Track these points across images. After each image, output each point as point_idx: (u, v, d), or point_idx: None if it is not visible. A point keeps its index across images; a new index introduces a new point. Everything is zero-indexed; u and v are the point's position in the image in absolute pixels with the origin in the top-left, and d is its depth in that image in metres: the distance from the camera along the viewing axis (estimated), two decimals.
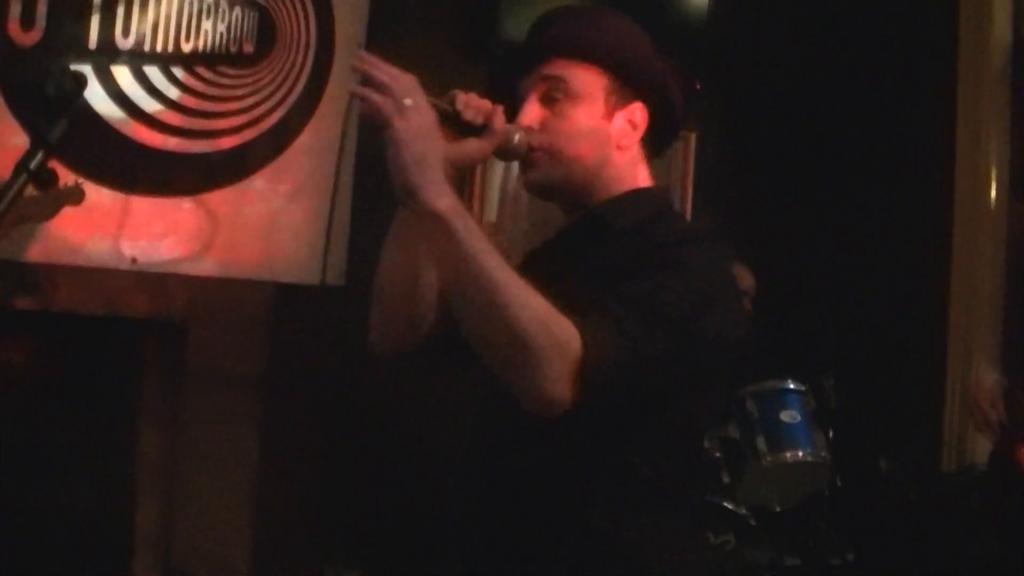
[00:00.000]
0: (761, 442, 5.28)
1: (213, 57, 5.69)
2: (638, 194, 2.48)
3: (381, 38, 6.05)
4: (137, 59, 5.51)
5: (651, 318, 2.09)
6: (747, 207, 6.84)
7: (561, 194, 2.46)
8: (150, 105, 5.49)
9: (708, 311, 2.21)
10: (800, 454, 5.29)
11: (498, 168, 6.57)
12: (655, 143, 2.55)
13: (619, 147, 2.45)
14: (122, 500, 5.44)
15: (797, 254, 6.88)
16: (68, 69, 1.60)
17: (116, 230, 5.37)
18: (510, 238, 6.55)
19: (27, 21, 5.27)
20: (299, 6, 5.89)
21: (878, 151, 6.83)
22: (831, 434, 5.47)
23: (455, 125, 2.19)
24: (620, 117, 2.44)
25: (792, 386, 5.44)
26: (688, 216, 6.89)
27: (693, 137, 6.94)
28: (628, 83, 2.45)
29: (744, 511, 5.17)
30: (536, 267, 2.38)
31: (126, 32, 5.50)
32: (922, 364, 6.33)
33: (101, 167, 5.27)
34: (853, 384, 5.88)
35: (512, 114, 2.37)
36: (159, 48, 5.57)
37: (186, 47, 5.63)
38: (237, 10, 5.75)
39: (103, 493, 5.38)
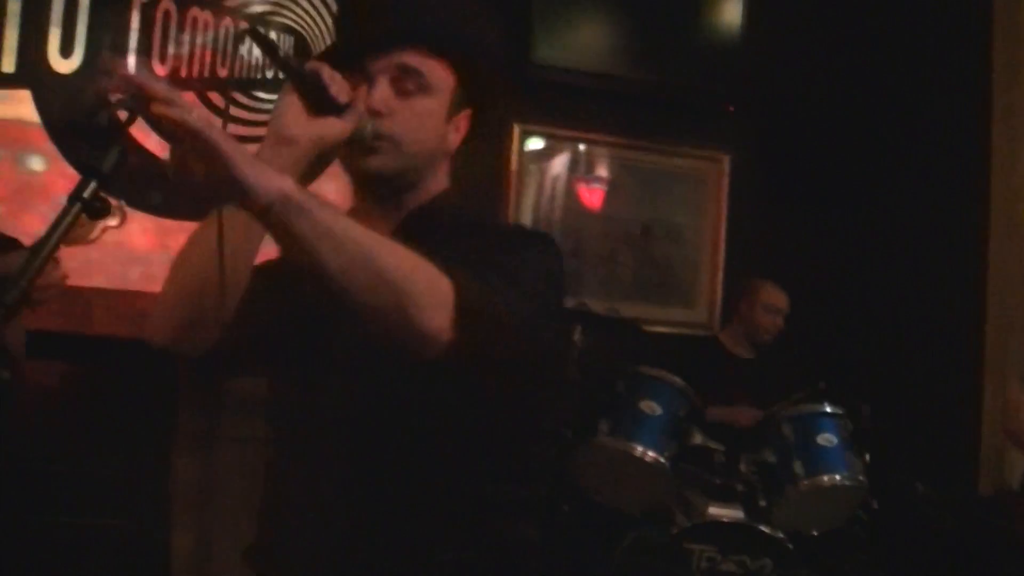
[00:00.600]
0: (798, 466, 5.25)
1: (249, 82, 5.72)
2: (450, 194, 2.43)
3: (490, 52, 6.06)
4: (173, 85, 5.53)
5: (511, 281, 2.07)
6: (782, 229, 6.85)
7: (391, 185, 2.31)
8: None
9: (555, 300, 2.24)
10: (837, 478, 5.25)
11: (531, 190, 6.58)
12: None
13: (445, 150, 2.38)
14: (159, 525, 5.44)
15: (832, 275, 6.86)
16: (120, 100, 1.60)
17: (152, 254, 5.41)
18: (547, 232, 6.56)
19: (66, 48, 5.34)
20: (334, 30, 5.91)
21: (912, 172, 6.82)
22: (868, 458, 5.43)
23: (317, 99, 2.10)
24: (454, 121, 2.36)
25: (828, 409, 5.40)
26: (723, 241, 6.91)
27: (727, 159, 6.95)
28: (470, 89, 2.37)
29: (781, 535, 5.14)
30: None
31: (163, 58, 5.55)
32: (958, 387, 6.31)
33: (139, 192, 5.31)
34: (890, 407, 5.85)
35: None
36: (195, 74, 5.61)
37: (222, 72, 5.68)
38: (272, 35, 5.78)
39: (140, 518, 5.38)
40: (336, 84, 2.11)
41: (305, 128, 2.08)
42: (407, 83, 2.26)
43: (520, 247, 2.24)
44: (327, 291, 1.90)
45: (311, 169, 2.13)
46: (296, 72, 2.09)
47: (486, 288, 2.00)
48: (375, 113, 2.21)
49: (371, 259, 1.87)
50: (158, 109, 1.76)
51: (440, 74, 2.30)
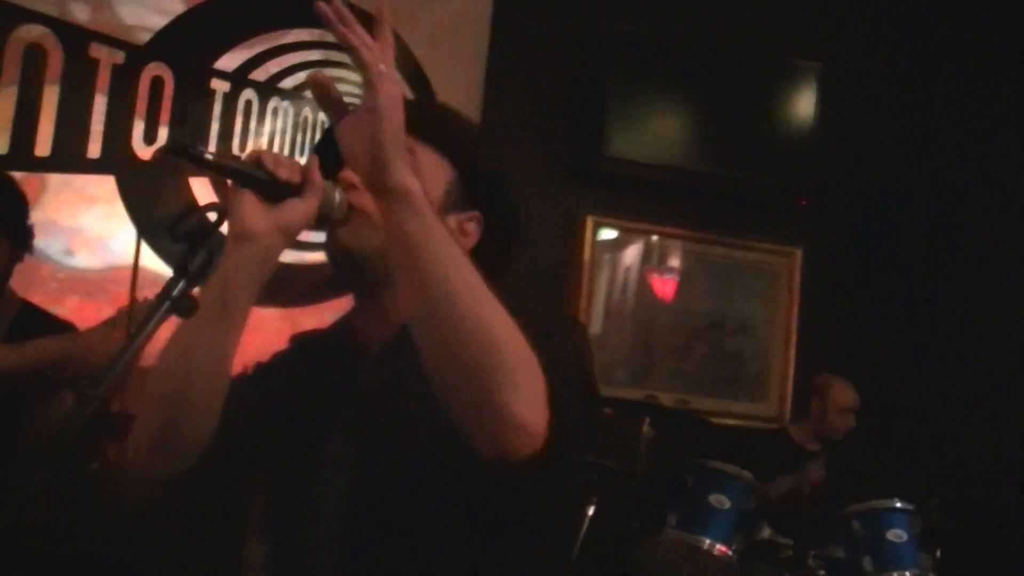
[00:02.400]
0: (867, 561, 5.23)
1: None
2: None
3: (490, 153, 6.14)
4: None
5: (563, 382, 1.86)
6: (853, 323, 6.84)
7: (368, 268, 2.09)
8: None
9: (583, 399, 2.08)
10: (907, 574, 5.22)
11: (603, 280, 6.62)
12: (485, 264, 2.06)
13: None
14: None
15: (903, 370, 6.84)
16: (211, 203, 1.64)
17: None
18: (615, 351, 6.59)
19: (149, 135, 5.46)
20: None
21: (985, 267, 6.80)
22: (938, 554, 5.39)
23: (270, 190, 1.91)
24: (453, 220, 2.12)
25: (899, 505, 5.38)
26: (794, 335, 6.91)
27: (799, 253, 6.96)
28: (471, 187, 2.21)
29: None
30: (349, 376, 2.14)
31: (244, 145, 5.66)
32: None
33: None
34: (961, 505, 5.81)
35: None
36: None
37: (301, 160, 5.76)
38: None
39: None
40: (284, 166, 1.91)
41: (265, 220, 1.91)
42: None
43: (555, 333, 2.01)
44: (422, 341, 1.79)
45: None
46: (234, 169, 1.92)
47: (561, 390, 1.82)
48: (348, 186, 2.04)
49: (474, 290, 1.75)
50: (353, 40, 1.75)
51: (430, 160, 2.16)
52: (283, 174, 1.90)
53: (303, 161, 1.96)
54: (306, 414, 2.14)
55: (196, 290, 1.78)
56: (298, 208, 1.92)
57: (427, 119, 2.20)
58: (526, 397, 1.74)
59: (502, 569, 2.07)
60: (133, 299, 1.75)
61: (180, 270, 1.78)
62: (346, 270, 2.15)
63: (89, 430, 1.62)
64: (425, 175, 2.01)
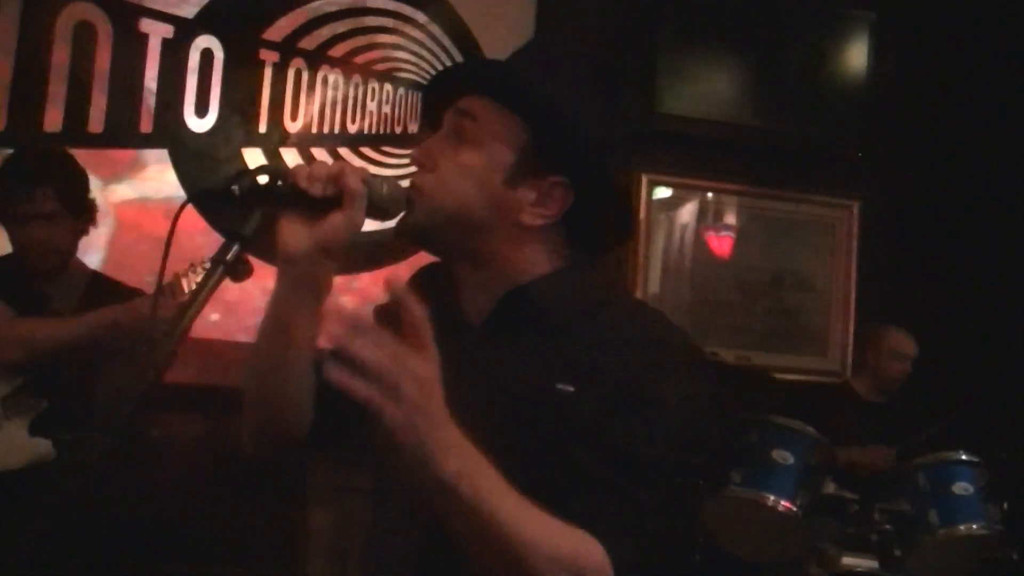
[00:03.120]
0: (933, 515, 5.19)
1: (378, 138, 5.82)
2: (571, 274, 2.04)
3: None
4: (305, 141, 5.67)
5: (650, 476, 1.81)
6: (912, 275, 6.78)
7: (443, 241, 2.01)
8: None
9: (693, 450, 1.91)
10: (974, 527, 5.18)
11: (660, 239, 6.60)
12: (583, 240, 2.07)
13: (520, 223, 1.97)
14: (290, 572, 5.52)
15: (963, 320, 6.78)
16: (261, 166, 1.63)
17: None
18: (673, 310, 6.56)
19: (201, 108, 5.47)
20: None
21: None
22: (1005, 506, 5.35)
23: (308, 207, 1.86)
24: (530, 186, 1.96)
25: (965, 457, 5.33)
26: (854, 288, 6.85)
27: (856, 206, 6.91)
28: (552, 149, 1.97)
29: None
30: (450, 344, 1.88)
31: (295, 115, 5.67)
32: None
33: (267, 245, 5.40)
34: None
35: None
36: (326, 130, 5.72)
37: (352, 128, 5.78)
38: (401, 91, 5.87)
39: (273, 570, 5.46)
40: (318, 180, 1.84)
41: (305, 240, 1.86)
42: (460, 129, 1.97)
43: (654, 400, 1.85)
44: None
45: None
46: (264, 196, 1.84)
47: (635, 526, 1.80)
48: (417, 164, 1.97)
49: (524, 560, 1.67)
50: (345, 382, 1.54)
51: (499, 125, 1.96)
52: (316, 191, 1.85)
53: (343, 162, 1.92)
54: None
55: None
56: (339, 221, 1.86)
57: (490, 76, 2.07)
58: None
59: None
60: (163, 268, 1.71)
61: (233, 234, 1.77)
62: (428, 247, 2.07)
63: (149, 398, 1.62)
64: (488, 142, 1.94)
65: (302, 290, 1.91)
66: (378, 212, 1.92)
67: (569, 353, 1.90)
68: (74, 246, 4.33)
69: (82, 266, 4.44)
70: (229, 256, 1.75)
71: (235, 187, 1.79)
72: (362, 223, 1.88)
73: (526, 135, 1.97)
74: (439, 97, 2.06)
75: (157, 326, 3.09)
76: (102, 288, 4.38)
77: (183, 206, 1.83)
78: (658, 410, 1.84)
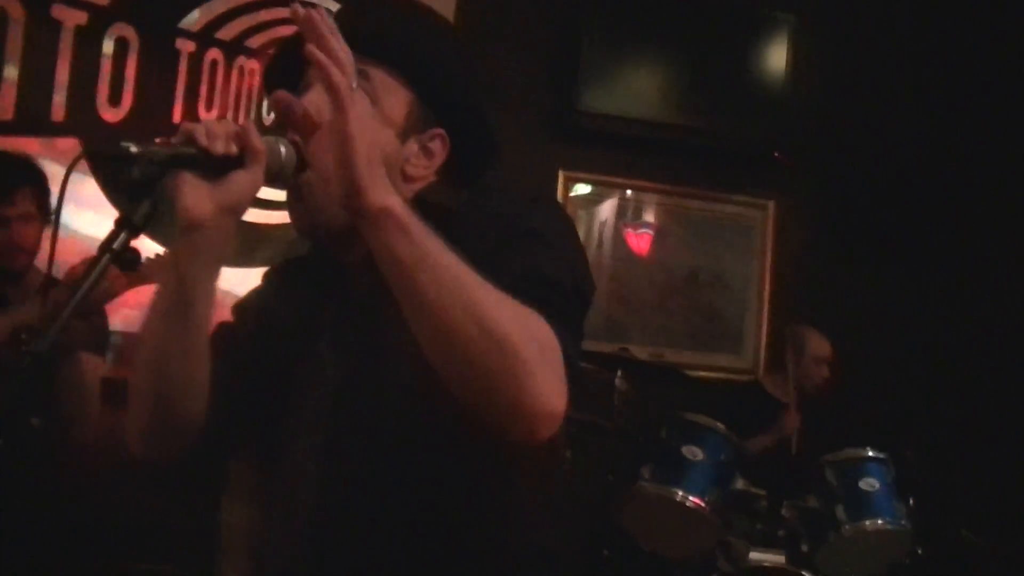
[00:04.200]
0: (841, 511, 5.22)
1: None
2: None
3: (453, 60, 6.12)
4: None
5: (557, 292, 1.84)
6: (827, 275, 6.86)
7: (332, 226, 1.96)
8: None
9: (585, 271, 1.98)
10: (880, 523, 5.21)
11: (583, 220, 6.61)
12: (457, 175, 2.13)
13: (406, 176, 2.03)
14: (209, 572, 5.48)
15: (877, 321, 6.86)
16: (153, 152, 1.59)
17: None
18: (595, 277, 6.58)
19: (114, 97, 5.43)
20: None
21: (960, 217, 6.81)
22: (912, 502, 5.41)
23: (207, 166, 1.76)
24: (414, 141, 2.03)
25: (872, 454, 5.38)
26: (769, 287, 6.91)
27: (772, 206, 6.96)
28: (434, 104, 2.04)
29: None
30: (346, 297, 2.05)
31: (210, 105, 5.63)
32: (1006, 433, 6.27)
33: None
34: (936, 454, 5.83)
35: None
36: (242, 121, 5.68)
37: (268, 119, 5.75)
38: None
39: (190, 565, 5.42)
40: (219, 138, 1.75)
41: (208, 202, 1.77)
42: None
43: (546, 238, 1.91)
44: (426, 353, 1.70)
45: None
46: (164, 156, 1.74)
47: (566, 333, 1.78)
48: (306, 117, 1.85)
49: (476, 302, 1.65)
50: (321, 59, 1.66)
51: (387, 81, 1.99)
52: (219, 148, 1.75)
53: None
54: (287, 334, 2.08)
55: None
56: (243, 180, 1.78)
57: (378, 33, 2.05)
58: (549, 385, 1.69)
59: (500, 498, 2.02)
60: (52, 258, 1.69)
61: (122, 221, 1.75)
62: (316, 239, 2.08)
63: (31, 386, 1.60)
64: (382, 101, 1.97)
65: (205, 259, 1.83)
66: (273, 177, 1.85)
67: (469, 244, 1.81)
68: (38, 248, 4.36)
69: (37, 268, 4.46)
70: (116, 244, 1.73)
71: (133, 149, 1.74)
72: (260, 185, 1.81)
73: (411, 91, 2.02)
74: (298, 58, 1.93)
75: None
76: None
77: (75, 160, 1.78)
78: (547, 240, 1.90)
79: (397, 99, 2.01)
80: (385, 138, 1.96)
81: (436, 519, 1.95)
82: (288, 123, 1.84)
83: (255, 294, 2.21)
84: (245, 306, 2.19)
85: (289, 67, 2.04)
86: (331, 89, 1.67)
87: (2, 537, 3.99)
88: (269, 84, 2.15)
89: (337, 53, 1.69)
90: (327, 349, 2.03)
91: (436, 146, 2.06)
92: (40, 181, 4.35)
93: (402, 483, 1.94)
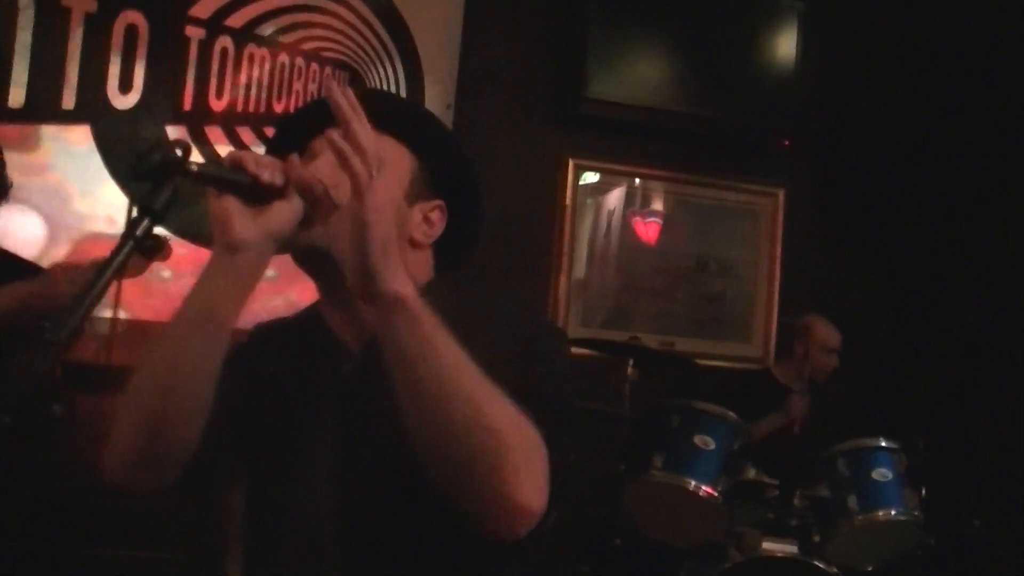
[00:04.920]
0: (852, 501, 5.22)
1: None
2: (441, 281, 2.17)
3: (470, 98, 6.11)
4: (230, 120, 5.62)
5: (555, 410, 1.88)
6: (836, 263, 6.84)
7: (336, 267, 1.98)
8: None
9: (573, 388, 2.03)
10: (892, 513, 5.21)
11: (586, 224, 6.60)
12: (447, 255, 2.21)
13: (412, 242, 2.11)
14: (212, 557, 5.48)
15: (886, 309, 6.85)
16: (176, 141, 1.60)
17: None
18: (598, 295, 6.57)
19: (125, 85, 5.41)
20: (389, 66, 5.97)
21: (969, 207, 6.79)
22: (924, 492, 5.40)
23: (253, 194, 1.82)
24: (419, 210, 2.12)
25: (884, 444, 5.37)
26: (778, 276, 6.89)
27: (782, 194, 6.94)
28: (435, 175, 2.14)
29: (835, 570, 5.11)
30: (337, 371, 2.09)
31: (220, 94, 5.62)
32: (1018, 423, 6.25)
33: (192, 226, 5.37)
34: (947, 443, 5.81)
35: None
36: (251, 109, 5.67)
37: (278, 107, 5.74)
38: (327, 70, 5.83)
39: (193, 551, 5.42)
40: (266, 168, 1.82)
41: (253, 227, 1.82)
42: None
43: (546, 357, 2.01)
44: (414, 439, 1.74)
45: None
46: (216, 177, 1.82)
47: (562, 443, 1.85)
48: (326, 197, 1.92)
49: (474, 397, 1.70)
50: (344, 149, 1.70)
51: (392, 150, 2.07)
52: (266, 177, 1.81)
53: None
54: (284, 408, 2.09)
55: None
56: (285, 210, 1.85)
57: (390, 109, 2.13)
58: (531, 484, 1.74)
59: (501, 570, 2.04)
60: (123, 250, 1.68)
61: (144, 209, 1.74)
62: (317, 268, 2.07)
63: (51, 373, 1.59)
64: (389, 166, 1.89)
65: (240, 282, 1.86)
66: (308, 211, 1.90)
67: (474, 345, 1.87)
68: None
69: None
70: (139, 231, 1.72)
71: (193, 167, 1.74)
72: (300, 217, 1.88)
73: (415, 162, 2.12)
74: (313, 125, 2.07)
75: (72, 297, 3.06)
76: (4, 265, 4.27)
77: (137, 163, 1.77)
78: (547, 360, 2.00)
79: (404, 164, 2.10)
80: (395, 200, 2.01)
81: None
82: (306, 198, 1.88)
83: (245, 347, 2.21)
84: (236, 355, 2.14)
85: (300, 130, 2.13)
86: (352, 177, 1.71)
87: (8, 522, 3.97)
88: (279, 140, 2.20)
89: (360, 140, 1.72)
90: (326, 434, 2.05)
91: (436, 216, 2.14)
92: None
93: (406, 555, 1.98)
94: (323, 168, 1.95)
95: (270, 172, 1.82)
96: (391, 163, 1.94)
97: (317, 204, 1.90)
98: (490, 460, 1.70)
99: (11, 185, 4.31)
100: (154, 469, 1.96)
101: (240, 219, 1.81)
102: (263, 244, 1.84)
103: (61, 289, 3.81)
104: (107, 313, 5.07)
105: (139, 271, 4.55)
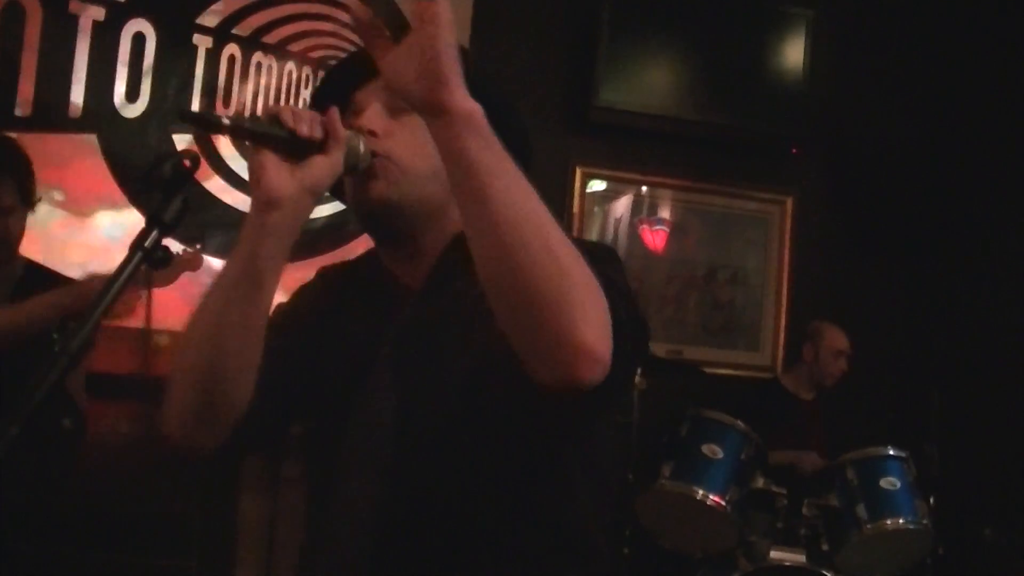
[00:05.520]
0: (861, 510, 5.22)
1: None
2: None
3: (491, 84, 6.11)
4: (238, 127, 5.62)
5: (624, 293, 1.83)
6: (846, 271, 6.83)
7: (405, 217, 2.01)
8: None
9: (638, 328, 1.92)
10: (901, 522, 5.22)
11: (594, 232, 6.59)
12: None
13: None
14: (223, 566, 5.48)
15: (896, 316, 6.84)
16: (184, 151, 1.60)
17: None
18: None
19: (132, 93, 5.41)
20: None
21: (980, 213, 6.78)
22: (932, 501, 5.39)
23: (291, 148, 1.80)
24: None
25: (893, 453, 5.37)
26: (787, 283, 6.89)
27: (791, 201, 6.93)
28: None
29: None
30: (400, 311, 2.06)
31: (227, 102, 5.62)
32: None
33: (201, 234, 5.38)
34: (957, 451, 5.80)
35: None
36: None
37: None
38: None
39: (204, 559, 5.42)
40: (304, 121, 1.81)
41: (291, 181, 1.81)
42: (400, 102, 1.94)
43: (606, 260, 1.88)
44: (483, 270, 1.68)
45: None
46: (252, 131, 1.82)
47: (620, 305, 1.75)
48: (370, 135, 1.94)
49: (545, 224, 1.65)
50: None
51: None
52: (304, 130, 1.80)
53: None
54: (344, 351, 2.08)
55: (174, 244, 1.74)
56: (323, 165, 1.83)
57: None
58: (593, 322, 1.65)
59: (555, 507, 2.03)
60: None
61: (153, 220, 1.73)
62: (383, 221, 2.04)
63: (61, 386, 1.59)
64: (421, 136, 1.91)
65: (279, 237, 1.84)
66: (347, 169, 1.89)
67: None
68: (22, 235, 4.23)
69: (19, 255, 4.32)
70: (148, 242, 1.71)
71: (226, 120, 1.74)
72: (339, 172, 1.86)
73: None
74: (355, 78, 2.05)
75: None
76: (35, 277, 4.29)
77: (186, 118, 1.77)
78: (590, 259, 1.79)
79: None
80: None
81: (495, 529, 1.98)
82: (365, 38, 1.80)
83: (309, 290, 2.24)
84: (299, 300, 2.22)
85: (341, 85, 2.08)
86: None
87: (22, 533, 3.97)
88: (320, 95, 2.12)
89: None
90: (385, 372, 2.02)
91: None
92: (22, 168, 4.18)
93: (462, 502, 1.96)
94: (373, 119, 1.97)
95: (309, 125, 1.80)
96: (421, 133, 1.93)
97: (359, 155, 1.89)
98: (558, 293, 1.62)
99: (39, 199, 4.31)
100: (210, 426, 1.96)
101: (277, 173, 1.80)
102: (301, 199, 1.82)
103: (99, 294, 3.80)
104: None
105: (167, 281, 4.56)
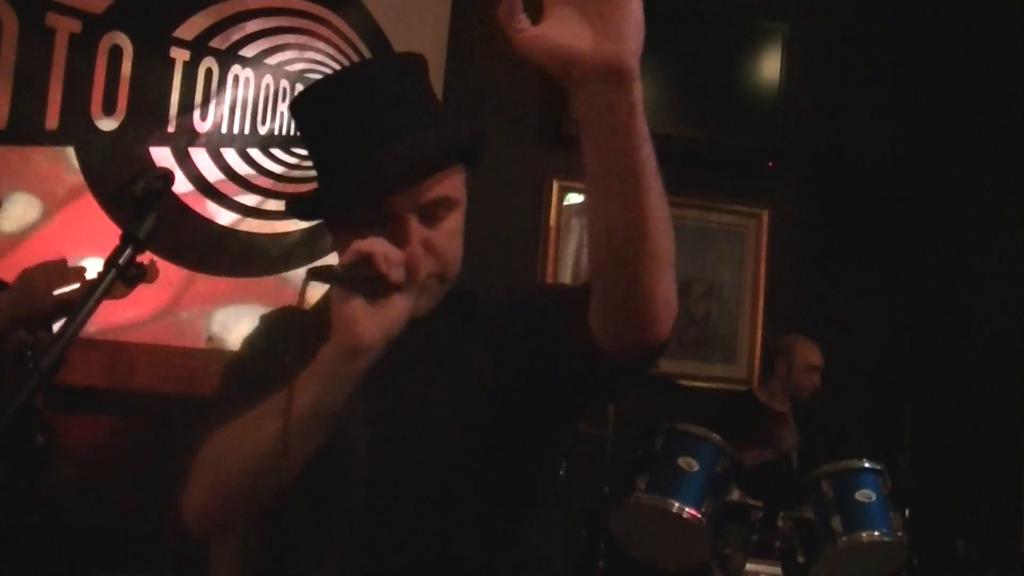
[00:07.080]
0: (836, 522, 5.23)
1: (289, 139, 5.78)
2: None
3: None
4: (215, 141, 5.62)
5: None
6: (820, 284, 6.85)
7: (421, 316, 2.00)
8: (227, 187, 5.62)
9: None
10: (876, 534, 5.23)
11: (571, 244, 6.59)
12: None
13: None
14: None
15: (870, 330, 6.86)
16: (158, 169, 1.60)
17: (193, 308, 5.47)
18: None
19: (109, 106, 5.41)
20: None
21: (954, 227, 6.81)
22: (907, 513, 5.41)
23: (375, 289, 1.80)
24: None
25: (868, 465, 5.39)
26: (762, 297, 6.90)
27: (766, 215, 6.94)
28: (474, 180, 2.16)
29: None
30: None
31: (204, 115, 5.62)
32: (1001, 444, 6.27)
33: (178, 247, 5.38)
34: (930, 464, 5.82)
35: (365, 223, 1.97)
36: (236, 130, 5.67)
37: (262, 129, 5.74)
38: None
39: (180, 570, 5.41)
40: (395, 266, 1.81)
41: (377, 328, 1.79)
42: (438, 211, 2.02)
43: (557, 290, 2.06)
44: (598, 232, 1.73)
45: None
46: (355, 278, 1.79)
47: None
48: (426, 253, 1.97)
49: (663, 195, 1.70)
50: None
51: (457, 181, 2.09)
52: (395, 276, 1.80)
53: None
54: None
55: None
56: (402, 306, 1.83)
57: (449, 146, 2.09)
58: (673, 292, 1.78)
59: (522, 524, 2.11)
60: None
61: (127, 237, 1.74)
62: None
63: (32, 402, 1.59)
64: (460, 201, 2.07)
65: (359, 378, 1.83)
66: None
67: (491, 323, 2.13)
68: None
69: None
70: (122, 260, 1.72)
71: (137, 186, 1.74)
72: (411, 310, 1.86)
73: (465, 170, 2.12)
74: (387, 184, 2.00)
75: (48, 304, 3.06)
76: None
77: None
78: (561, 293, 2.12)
79: (462, 185, 2.11)
80: (462, 225, 2.09)
81: (466, 555, 2.04)
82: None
83: (258, 338, 2.26)
84: (257, 346, 2.24)
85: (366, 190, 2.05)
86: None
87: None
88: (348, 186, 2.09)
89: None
90: (358, 406, 1.98)
91: None
92: None
93: (438, 527, 2.02)
94: (422, 237, 1.98)
95: (398, 270, 1.80)
96: (461, 197, 2.09)
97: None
98: (668, 254, 1.72)
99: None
100: (231, 530, 1.99)
101: (365, 322, 1.79)
102: (382, 345, 1.81)
103: (41, 291, 3.75)
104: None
105: (122, 292, 4.53)
